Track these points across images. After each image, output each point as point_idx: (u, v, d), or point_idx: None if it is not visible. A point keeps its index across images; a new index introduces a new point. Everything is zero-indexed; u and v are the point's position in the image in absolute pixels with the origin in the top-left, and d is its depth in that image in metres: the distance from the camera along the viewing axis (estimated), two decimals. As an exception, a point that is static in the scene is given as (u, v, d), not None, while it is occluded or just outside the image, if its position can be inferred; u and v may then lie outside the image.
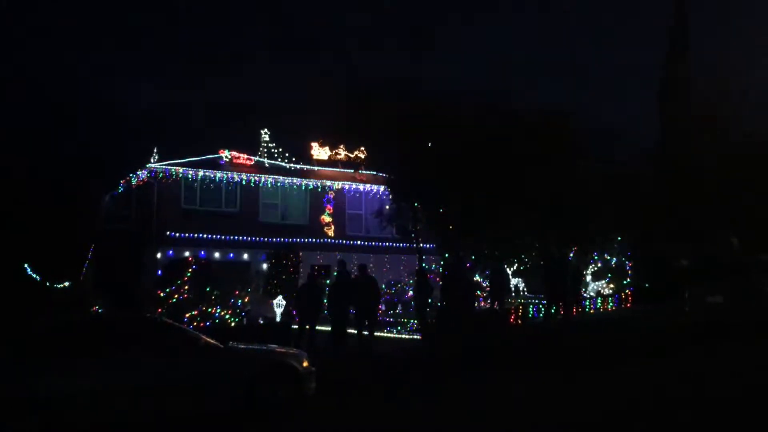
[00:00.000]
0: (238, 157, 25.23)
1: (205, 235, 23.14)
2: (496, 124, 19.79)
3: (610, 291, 24.67)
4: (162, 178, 23.10)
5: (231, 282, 18.84)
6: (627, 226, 23.30)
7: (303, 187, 25.75)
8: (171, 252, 22.23)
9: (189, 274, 17.62)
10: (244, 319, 18.23)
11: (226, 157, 24.91)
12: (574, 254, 22.42)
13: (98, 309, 19.69)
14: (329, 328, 15.24)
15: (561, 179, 19.83)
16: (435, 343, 15.81)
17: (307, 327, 14.76)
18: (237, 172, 24.38)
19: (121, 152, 39.41)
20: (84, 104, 58.26)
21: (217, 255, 23.19)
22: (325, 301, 15.45)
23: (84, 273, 25.27)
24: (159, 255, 22.33)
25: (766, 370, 10.35)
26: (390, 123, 19.93)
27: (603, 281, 25.46)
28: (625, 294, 23.81)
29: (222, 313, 17.38)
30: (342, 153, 27.28)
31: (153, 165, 23.21)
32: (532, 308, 20.55)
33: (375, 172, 26.45)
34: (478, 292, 21.58)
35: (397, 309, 24.26)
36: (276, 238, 24.33)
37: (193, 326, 15.37)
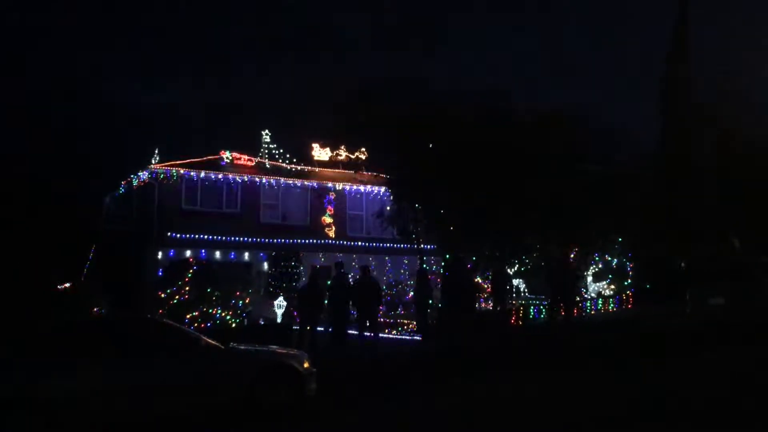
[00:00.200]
0: (239, 158, 25.25)
1: (205, 236, 23.16)
2: (496, 124, 19.80)
3: (611, 292, 24.65)
4: (163, 178, 23.12)
5: (232, 283, 18.87)
6: (627, 227, 23.28)
7: (304, 188, 25.76)
8: (172, 253, 22.24)
9: (190, 275, 17.66)
10: (245, 320, 18.26)
11: (227, 158, 24.94)
12: (575, 255, 22.40)
13: (99, 310, 19.68)
14: (330, 329, 15.27)
15: (561, 180, 19.83)
16: (435, 344, 15.81)
17: (308, 328, 14.77)
18: (238, 172, 24.40)
19: (122, 153, 39.43)
20: (85, 104, 58.30)
21: (217, 256, 23.22)
22: (326, 302, 15.48)
23: (85, 274, 25.25)
24: (160, 256, 22.34)
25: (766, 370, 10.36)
26: (391, 124, 19.95)
27: (604, 282, 25.44)
28: (626, 295, 23.79)
29: (223, 314, 17.41)
30: (343, 154, 27.29)
31: (154, 166, 23.23)
32: (533, 309, 20.55)
33: (376, 173, 26.46)
34: (479, 293, 21.58)
35: (398, 310, 24.27)
36: (277, 239, 24.35)
37: (194, 327, 15.40)
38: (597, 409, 8.34)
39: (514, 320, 19.31)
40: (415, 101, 19.98)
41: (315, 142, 27.25)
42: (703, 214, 25.69)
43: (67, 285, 21.67)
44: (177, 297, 17.25)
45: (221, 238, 23.50)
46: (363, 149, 26.33)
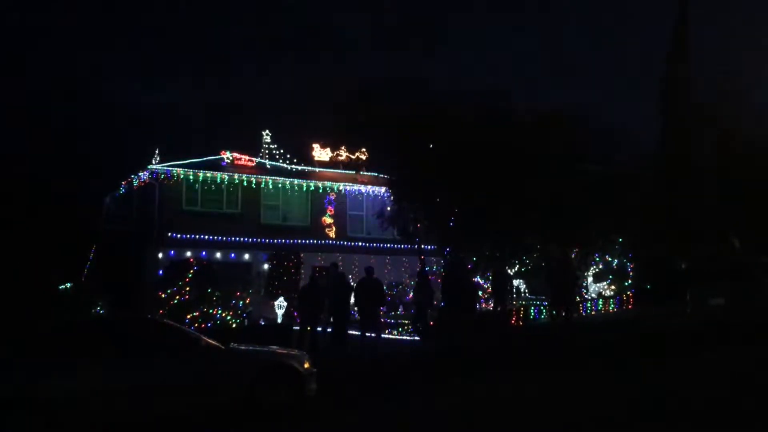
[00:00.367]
0: (240, 159, 25.27)
1: (206, 237, 23.17)
2: (496, 124, 19.82)
3: (612, 292, 24.65)
4: (163, 179, 23.14)
5: (232, 283, 18.89)
6: (627, 227, 23.28)
7: (304, 189, 25.77)
8: (172, 253, 22.25)
9: (190, 275, 17.67)
10: (245, 320, 18.27)
11: (228, 158, 24.96)
12: (575, 255, 22.41)
13: (99, 310, 19.70)
14: (330, 329, 15.27)
15: (561, 180, 19.83)
16: (436, 344, 15.81)
17: (308, 328, 14.77)
18: (238, 173, 24.41)
19: (122, 153, 39.45)
20: (85, 104, 58.31)
21: (218, 256, 23.23)
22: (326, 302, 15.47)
23: (85, 274, 25.27)
24: (160, 256, 22.36)
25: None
26: (391, 124, 19.97)
27: (604, 282, 25.44)
28: (627, 295, 23.78)
29: (223, 314, 17.42)
30: (343, 154, 27.30)
31: (154, 166, 23.25)
32: (533, 309, 20.55)
33: (376, 174, 26.47)
34: (480, 293, 21.58)
35: (398, 310, 24.27)
36: (277, 240, 24.36)
37: (194, 327, 15.40)
38: (597, 409, 8.34)
39: (515, 320, 19.31)
40: (415, 101, 20.01)
41: (315, 142, 27.27)
42: (703, 214, 25.68)
43: (68, 285, 21.68)
44: (177, 297, 17.25)
45: (222, 239, 23.52)
46: (363, 149, 26.35)
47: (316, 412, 8.97)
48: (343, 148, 27.37)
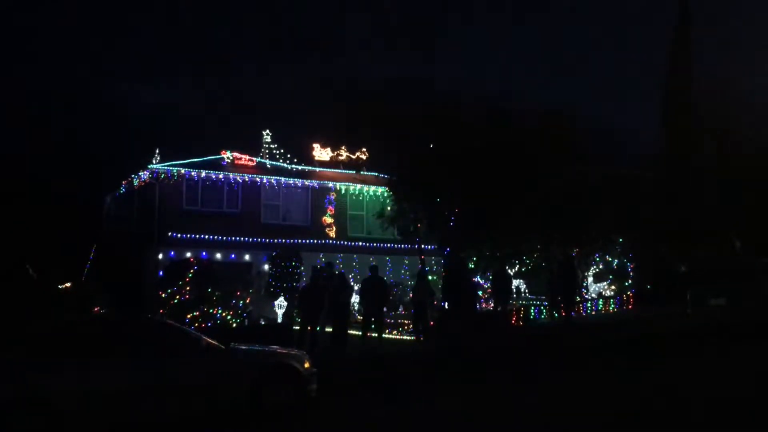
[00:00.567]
0: (240, 158, 25.25)
1: (206, 236, 23.15)
2: (496, 124, 19.82)
3: (612, 293, 24.64)
4: (164, 178, 23.12)
5: (232, 283, 18.88)
6: (628, 228, 23.27)
7: (304, 188, 25.76)
8: (172, 253, 22.24)
9: (190, 275, 17.64)
10: (246, 320, 18.25)
11: (228, 158, 24.94)
12: (575, 255, 22.40)
13: (100, 310, 19.68)
14: (330, 329, 15.26)
15: (561, 180, 19.83)
16: (436, 344, 15.81)
17: (309, 328, 14.76)
18: (239, 173, 24.39)
19: (122, 153, 39.41)
20: (85, 104, 58.29)
21: (218, 256, 23.20)
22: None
23: (85, 274, 25.26)
24: (161, 256, 22.34)
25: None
26: (391, 124, 19.97)
27: (604, 283, 25.42)
28: (627, 296, 23.76)
29: (223, 314, 17.40)
30: (344, 154, 27.31)
31: (155, 166, 23.23)
32: (534, 310, 20.54)
33: (376, 174, 26.47)
34: (480, 293, 21.57)
35: (398, 310, 24.26)
36: (277, 239, 24.34)
37: (195, 327, 15.38)
38: (597, 409, 8.34)
39: (515, 320, 19.30)
40: (416, 101, 20.01)
41: (316, 142, 27.27)
42: (704, 215, 25.67)
43: (68, 285, 21.67)
44: (177, 297, 17.24)
45: (222, 238, 23.50)
46: (364, 149, 26.35)
47: (316, 412, 8.97)
48: (343, 147, 27.38)
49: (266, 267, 23.44)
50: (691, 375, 10.42)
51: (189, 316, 16.62)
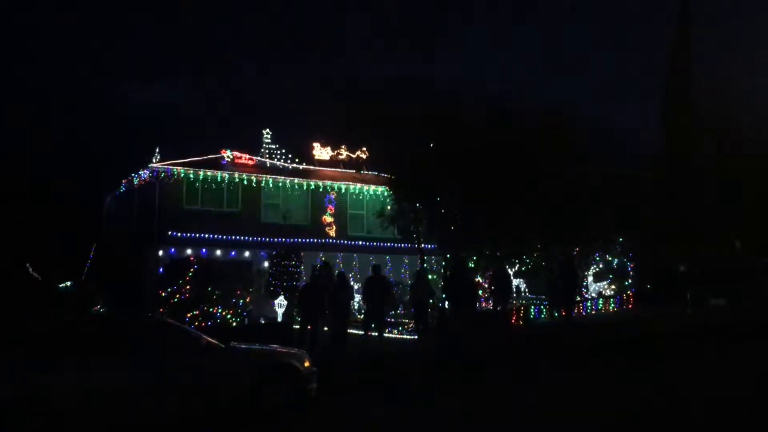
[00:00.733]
0: (240, 157, 25.26)
1: (206, 235, 23.15)
2: (496, 124, 19.83)
3: (612, 292, 24.65)
4: (164, 178, 23.11)
5: (232, 282, 18.87)
6: (628, 228, 23.29)
7: (304, 188, 25.75)
8: (173, 252, 22.24)
9: (191, 274, 17.66)
10: (246, 319, 18.25)
11: (228, 157, 24.94)
12: (575, 255, 22.41)
13: (100, 309, 19.69)
14: (331, 329, 15.27)
15: (561, 179, 19.83)
16: (436, 343, 15.81)
17: (309, 327, 14.76)
18: (239, 172, 24.39)
19: (123, 152, 39.45)
20: (85, 104, 58.29)
21: (218, 255, 23.21)
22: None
23: (85, 273, 25.26)
24: (161, 255, 22.34)
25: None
26: (391, 124, 19.97)
27: (604, 282, 25.44)
28: (627, 295, 23.78)
29: (223, 313, 17.41)
30: (344, 153, 27.31)
31: (155, 165, 23.23)
32: (534, 309, 20.55)
33: (377, 173, 26.45)
34: (480, 293, 21.56)
35: (398, 310, 24.25)
36: (277, 238, 24.34)
37: (195, 326, 15.38)
38: (597, 409, 8.33)
39: (515, 320, 19.31)
40: (415, 101, 20.01)
41: (316, 141, 27.28)
42: (704, 215, 25.70)
43: (68, 284, 21.69)
44: (177, 296, 17.24)
45: (222, 237, 23.50)
46: (364, 149, 26.33)
47: (317, 411, 8.97)
48: (343, 147, 27.38)
49: (266, 266, 23.45)
50: (691, 375, 10.41)
51: (189, 315, 16.63)
